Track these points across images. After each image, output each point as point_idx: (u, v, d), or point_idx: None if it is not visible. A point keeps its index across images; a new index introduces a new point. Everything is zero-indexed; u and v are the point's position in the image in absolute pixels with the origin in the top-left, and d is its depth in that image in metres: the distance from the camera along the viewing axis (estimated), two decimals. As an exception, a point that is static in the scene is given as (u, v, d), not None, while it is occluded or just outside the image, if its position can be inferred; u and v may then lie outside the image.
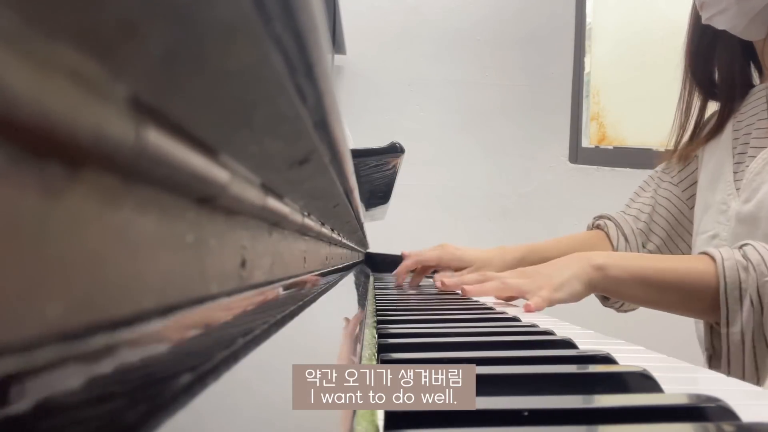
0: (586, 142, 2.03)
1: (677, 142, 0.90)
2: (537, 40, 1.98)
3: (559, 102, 1.99)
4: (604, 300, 0.90)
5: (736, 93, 0.83)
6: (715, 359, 0.71)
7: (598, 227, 0.98)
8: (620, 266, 0.70)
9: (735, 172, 0.79)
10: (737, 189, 0.77)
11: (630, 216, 0.96)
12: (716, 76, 0.85)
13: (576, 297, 0.71)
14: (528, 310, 0.68)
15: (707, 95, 0.87)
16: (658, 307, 0.78)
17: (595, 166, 1.99)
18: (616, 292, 0.74)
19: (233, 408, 0.15)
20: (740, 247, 0.67)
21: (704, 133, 0.87)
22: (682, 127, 0.89)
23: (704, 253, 0.69)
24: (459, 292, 0.76)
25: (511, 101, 1.97)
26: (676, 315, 0.86)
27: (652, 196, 0.95)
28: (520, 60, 1.98)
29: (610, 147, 2.03)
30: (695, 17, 0.84)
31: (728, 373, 0.64)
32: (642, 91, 2.02)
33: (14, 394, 0.08)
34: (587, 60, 2.04)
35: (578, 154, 2.00)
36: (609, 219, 0.97)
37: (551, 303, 0.70)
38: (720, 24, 0.75)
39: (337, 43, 1.72)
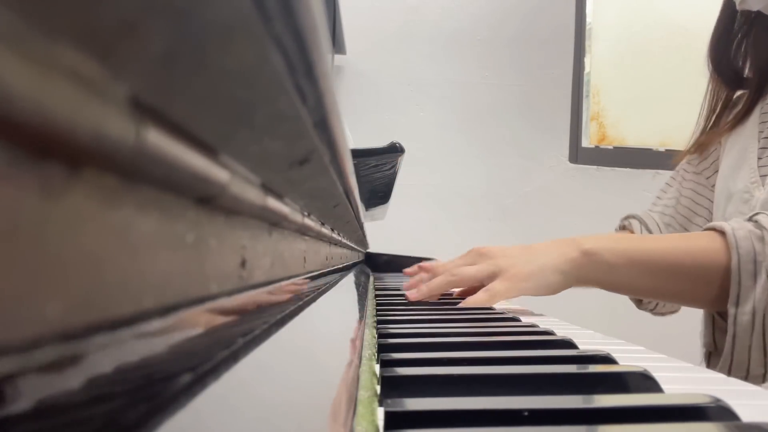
0: (586, 142, 2.03)
1: (703, 132, 0.87)
2: (537, 40, 1.98)
3: (559, 102, 1.99)
4: (638, 302, 0.84)
5: (766, 78, 0.79)
6: (714, 357, 0.67)
7: (623, 228, 0.92)
8: (613, 250, 0.61)
9: (759, 158, 0.75)
10: (762, 176, 0.74)
11: (656, 213, 0.91)
12: (745, 65, 0.82)
13: (550, 289, 0.62)
14: (465, 303, 0.59)
15: (734, 86, 0.84)
16: (657, 296, 0.70)
17: (595, 166, 1.99)
18: (607, 282, 0.63)
19: (233, 408, 0.15)
20: (750, 218, 0.61)
21: (729, 120, 0.83)
22: (708, 121, 0.86)
23: (709, 228, 0.62)
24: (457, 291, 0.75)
25: (511, 101, 1.97)
26: (678, 305, 0.79)
27: (677, 189, 0.91)
28: (520, 60, 1.98)
29: (610, 147, 2.03)
30: (725, 8, 0.81)
31: (730, 365, 0.60)
32: (642, 91, 2.02)
33: (14, 394, 0.08)
34: (587, 60, 2.04)
35: (578, 154, 2.00)
36: (634, 217, 0.90)
37: (509, 295, 0.61)
38: (754, 5, 0.73)
39: (337, 43, 1.72)
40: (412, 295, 0.66)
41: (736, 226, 0.59)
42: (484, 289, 0.61)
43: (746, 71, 0.83)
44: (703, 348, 0.70)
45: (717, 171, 0.86)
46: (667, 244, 0.63)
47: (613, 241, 0.64)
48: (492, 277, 0.62)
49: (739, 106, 0.83)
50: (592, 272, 0.62)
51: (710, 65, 0.85)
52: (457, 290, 0.71)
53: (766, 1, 0.72)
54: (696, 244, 0.61)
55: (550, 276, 0.61)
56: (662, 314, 0.88)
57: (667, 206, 0.91)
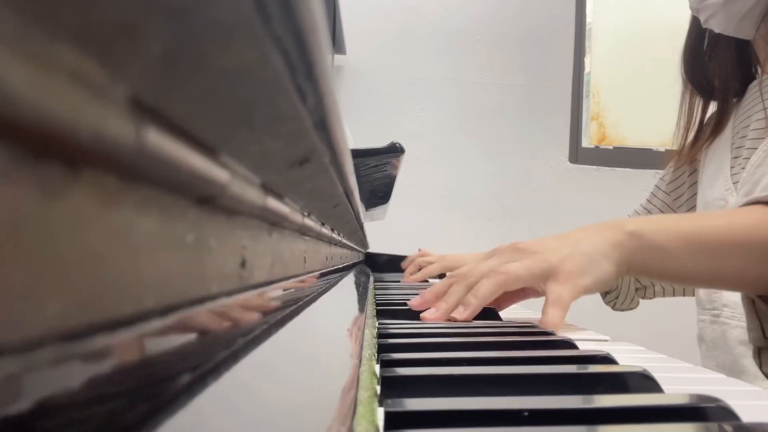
0: (586, 142, 2.03)
1: (681, 145, 0.90)
2: (537, 40, 1.98)
3: (559, 102, 1.99)
4: (603, 294, 0.87)
5: (734, 91, 0.83)
6: (766, 352, 0.59)
7: None
8: (661, 229, 0.53)
9: (732, 167, 0.78)
10: (734, 183, 0.76)
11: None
12: (714, 76, 0.86)
13: (606, 282, 0.52)
14: (543, 324, 0.48)
15: (707, 97, 0.87)
16: (713, 281, 0.59)
17: (595, 166, 1.99)
18: (663, 267, 0.54)
19: (233, 408, 0.15)
20: None
21: (707, 134, 0.87)
22: (686, 130, 0.89)
23: (754, 201, 0.56)
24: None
25: (511, 101, 1.97)
26: (727, 290, 0.73)
27: (644, 206, 0.97)
28: (520, 60, 1.98)
29: (610, 147, 2.03)
30: (694, 22, 0.85)
31: None
32: (642, 91, 2.02)
33: (14, 394, 0.08)
34: (587, 60, 2.04)
35: (578, 154, 2.00)
36: None
37: (576, 296, 0.50)
38: (714, 27, 0.77)
39: (337, 43, 1.72)
40: (461, 315, 0.51)
41: None
42: (551, 302, 0.50)
43: (716, 83, 0.86)
44: (751, 344, 0.62)
45: (681, 185, 0.91)
46: (718, 220, 0.55)
47: (657, 221, 0.56)
48: (545, 276, 0.51)
49: (715, 118, 0.87)
50: (646, 257, 0.53)
51: (684, 76, 0.88)
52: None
53: (725, 25, 0.75)
54: (752, 219, 0.54)
55: (603, 266, 0.51)
56: (622, 310, 0.90)
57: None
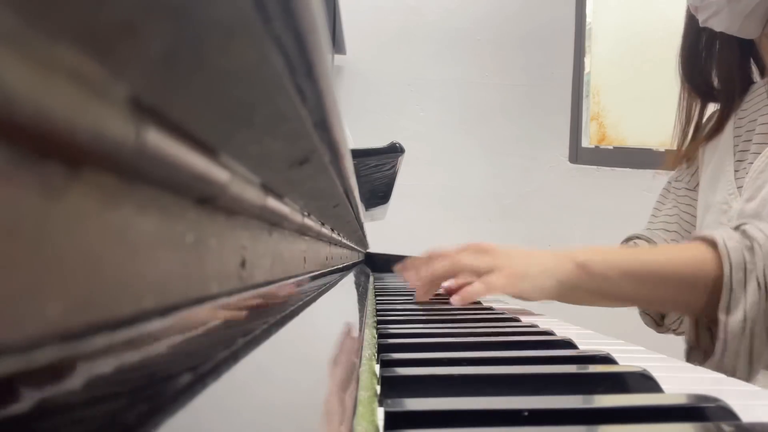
0: (586, 142, 2.03)
1: (680, 146, 0.89)
2: (537, 40, 1.98)
3: (559, 102, 1.99)
4: (657, 326, 0.85)
5: (736, 91, 0.82)
6: (695, 351, 0.68)
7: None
8: (605, 262, 0.63)
9: (736, 171, 0.77)
10: (738, 188, 0.76)
11: (658, 230, 0.91)
12: (714, 77, 0.84)
13: (544, 294, 0.63)
14: (455, 300, 0.62)
15: (705, 98, 0.86)
16: (645, 304, 0.72)
17: (595, 166, 1.99)
18: (598, 291, 0.65)
19: (233, 408, 0.15)
20: (736, 228, 0.62)
21: (704, 133, 0.86)
22: (684, 132, 0.88)
23: (699, 238, 0.64)
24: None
25: (511, 101, 1.97)
26: (665, 311, 0.82)
27: (675, 206, 0.91)
28: (520, 60, 1.98)
29: (610, 147, 2.03)
30: (689, 22, 0.84)
31: (718, 368, 0.60)
32: (642, 91, 2.02)
33: (14, 394, 0.08)
34: (587, 60, 2.04)
35: (578, 154, 2.00)
36: (639, 237, 0.90)
37: (504, 291, 0.62)
38: (716, 26, 0.75)
39: (337, 43, 1.72)
40: (412, 279, 0.69)
41: (726, 236, 0.61)
42: (481, 279, 0.62)
43: (716, 83, 0.85)
44: (686, 343, 0.72)
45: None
46: (659, 255, 0.65)
47: (606, 253, 0.66)
48: (489, 272, 0.63)
49: (714, 119, 0.86)
50: (588, 283, 0.63)
51: (682, 77, 0.87)
52: (446, 284, 0.71)
53: (728, 23, 0.74)
54: (687, 254, 0.63)
55: (546, 280, 0.62)
56: (683, 333, 0.88)
57: (669, 222, 0.91)
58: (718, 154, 0.82)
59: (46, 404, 0.08)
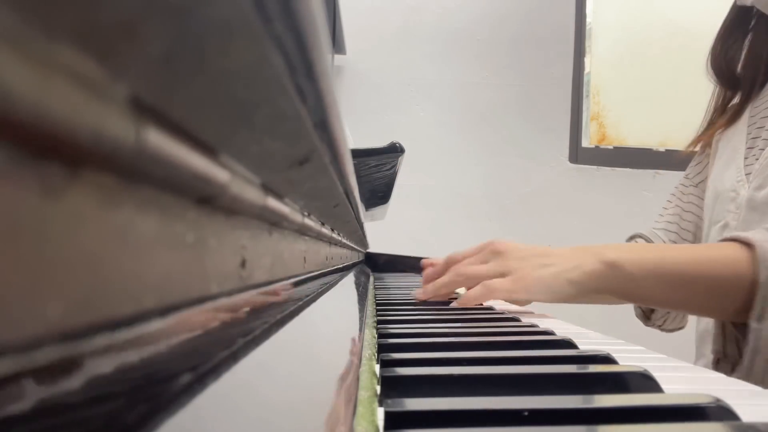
0: (586, 142, 2.03)
1: (707, 134, 0.87)
2: (537, 40, 1.98)
3: (559, 102, 1.99)
4: (645, 319, 0.84)
5: (758, 80, 0.80)
6: (723, 363, 0.65)
7: None
8: (636, 261, 0.58)
9: (746, 158, 0.76)
10: (747, 175, 0.74)
11: (660, 230, 0.91)
12: (739, 65, 0.82)
13: (557, 298, 0.59)
14: (453, 304, 0.60)
15: (724, 84, 0.84)
16: (675, 307, 0.67)
17: (595, 166, 1.99)
18: (626, 293, 0.60)
19: (233, 408, 0.15)
20: None
21: (723, 120, 0.84)
22: (714, 117, 0.86)
23: (731, 239, 0.60)
24: (458, 292, 0.74)
25: (511, 101, 1.97)
26: (686, 318, 0.79)
27: (677, 204, 0.91)
28: (520, 60, 1.98)
29: (610, 147, 2.03)
30: (733, 14, 0.82)
31: (746, 376, 0.58)
32: (642, 91, 2.02)
33: (14, 394, 0.08)
34: (587, 60, 2.04)
35: (578, 154, 2.00)
36: (640, 236, 0.91)
37: (507, 296, 0.59)
38: (759, 3, 0.73)
39: (337, 43, 1.72)
40: (418, 294, 0.66)
41: (762, 238, 0.57)
42: (482, 283, 0.59)
43: (739, 70, 0.83)
44: (712, 354, 0.69)
45: (706, 178, 0.87)
46: (690, 255, 0.59)
47: (636, 252, 0.61)
48: (497, 276, 0.60)
49: (733, 108, 0.84)
50: (613, 284, 0.58)
51: (709, 62, 0.84)
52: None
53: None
54: (720, 254, 0.58)
55: (561, 286, 0.58)
56: (670, 330, 0.87)
57: (670, 222, 0.91)
58: (732, 143, 0.80)
59: (46, 404, 0.08)
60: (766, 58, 0.80)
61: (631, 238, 0.91)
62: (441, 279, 0.64)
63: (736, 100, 0.85)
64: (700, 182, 0.90)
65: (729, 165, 0.79)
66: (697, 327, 0.82)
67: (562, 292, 0.58)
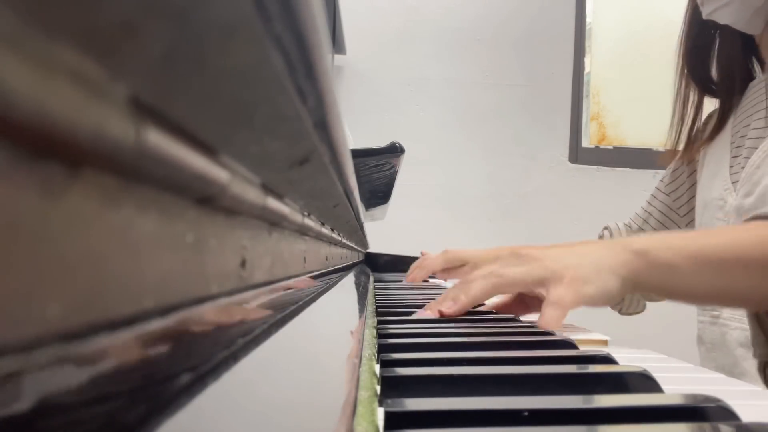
0: (586, 142, 2.03)
1: (676, 137, 0.89)
2: (537, 40, 1.98)
3: (559, 102, 1.99)
4: (620, 309, 0.85)
5: (736, 88, 0.81)
6: None
7: (600, 238, 0.97)
8: (670, 247, 0.51)
9: (731, 166, 0.77)
10: (733, 183, 0.75)
11: (624, 224, 0.97)
12: (714, 72, 0.84)
13: (610, 297, 0.50)
14: (541, 324, 0.47)
15: (704, 91, 0.86)
16: (713, 298, 0.59)
17: (595, 166, 1.99)
18: (669, 286, 0.53)
19: (233, 408, 0.15)
20: None
21: (706, 135, 0.86)
22: (679, 125, 0.88)
23: (758, 216, 0.56)
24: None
25: (511, 101, 1.97)
26: (734, 308, 0.74)
27: (645, 209, 0.97)
28: (520, 60, 1.98)
29: (610, 147, 2.03)
30: (692, 14, 0.83)
31: None
32: (642, 91, 2.02)
33: (14, 394, 0.08)
34: (587, 60, 2.04)
35: (578, 154, 2.00)
36: (607, 228, 0.96)
37: (578, 303, 0.49)
38: (722, 18, 0.74)
39: (337, 43, 1.72)
40: (449, 308, 0.52)
41: None
42: (550, 303, 0.48)
43: (715, 77, 0.84)
44: (756, 359, 0.65)
45: (681, 186, 0.92)
46: (719, 237, 0.54)
47: (663, 240, 0.55)
48: (542, 282, 0.50)
49: (714, 118, 0.86)
50: (652, 276, 0.51)
51: (684, 69, 0.86)
52: (493, 302, 0.60)
53: (735, 17, 0.72)
54: (752, 234, 0.53)
55: (608, 280, 0.50)
56: (629, 314, 0.89)
57: (634, 222, 0.97)
58: (717, 153, 0.82)
59: (46, 404, 0.08)
60: (736, 66, 0.81)
61: (604, 228, 0.97)
62: (476, 285, 0.52)
63: (706, 106, 0.87)
64: (672, 191, 0.94)
65: (716, 175, 0.80)
66: (700, 346, 0.82)
67: (611, 288, 0.50)
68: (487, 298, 0.53)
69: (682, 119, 0.88)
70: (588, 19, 2.04)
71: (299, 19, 0.12)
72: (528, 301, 0.58)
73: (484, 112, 1.97)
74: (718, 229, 0.70)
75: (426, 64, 1.95)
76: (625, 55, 2.04)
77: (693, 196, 0.90)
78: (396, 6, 1.93)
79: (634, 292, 0.55)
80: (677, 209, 0.93)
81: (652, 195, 0.97)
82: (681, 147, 0.89)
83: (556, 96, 1.99)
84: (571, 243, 0.55)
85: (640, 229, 0.95)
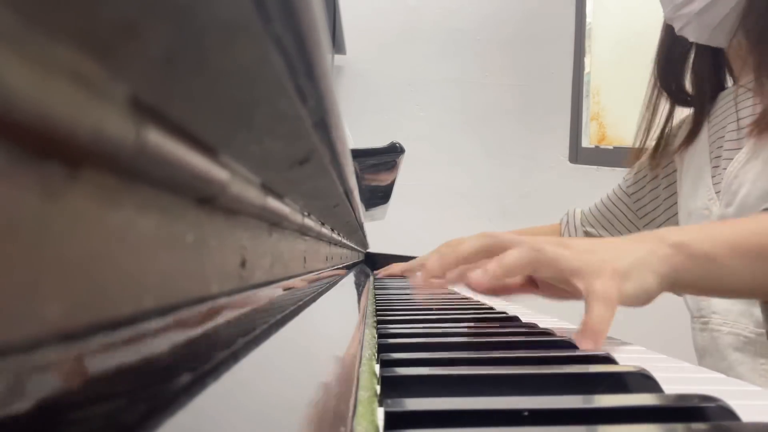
0: (586, 142, 2.03)
1: (642, 144, 0.93)
2: (537, 40, 1.98)
3: (559, 102, 1.99)
4: None
5: (706, 97, 0.84)
6: None
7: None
8: (708, 237, 0.47)
9: (713, 176, 0.79)
10: (717, 192, 0.77)
11: (578, 211, 1.06)
12: (687, 83, 0.87)
13: (647, 295, 0.45)
14: (584, 333, 0.40)
15: (675, 101, 0.89)
16: (758, 290, 0.52)
17: (595, 166, 1.99)
18: (711, 279, 0.48)
19: (233, 408, 0.15)
20: None
21: (680, 142, 0.88)
22: (646, 131, 0.92)
23: None
24: (458, 292, 0.74)
25: (511, 101, 1.97)
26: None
27: (603, 200, 1.02)
28: (521, 60, 1.98)
29: (610, 147, 2.03)
30: (666, 29, 0.87)
31: None
32: (642, 91, 2.01)
33: (14, 394, 0.08)
34: (587, 60, 2.04)
35: (578, 154, 2.00)
36: (567, 214, 1.07)
37: (620, 301, 0.43)
38: (688, 35, 0.78)
39: (337, 43, 1.72)
40: (478, 278, 0.43)
41: None
42: (598, 298, 0.42)
43: (689, 89, 0.88)
44: None
45: (643, 197, 0.95)
46: (752, 225, 0.50)
47: (699, 230, 0.50)
48: (577, 273, 0.44)
49: (685, 126, 0.89)
50: (693, 270, 0.47)
51: (657, 80, 0.90)
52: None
53: (698, 34, 0.76)
54: None
55: (647, 276, 0.45)
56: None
57: (591, 211, 1.03)
58: (696, 161, 0.84)
59: (46, 404, 0.08)
60: (707, 77, 0.84)
61: (565, 215, 1.06)
62: (512, 254, 0.44)
63: (677, 114, 0.90)
64: (633, 193, 0.98)
65: (698, 184, 0.82)
66: (696, 345, 0.82)
67: (649, 285, 0.45)
68: (521, 273, 0.46)
69: (648, 128, 0.92)
70: (588, 19, 2.04)
71: (299, 19, 0.12)
72: (540, 282, 0.51)
73: (484, 112, 1.97)
74: (746, 219, 0.64)
75: (426, 64, 1.95)
76: (625, 55, 2.04)
77: (657, 206, 0.94)
78: (396, 6, 1.93)
79: (671, 290, 0.48)
80: (636, 210, 0.97)
81: (613, 191, 1.01)
82: (645, 154, 0.93)
83: (556, 96, 1.99)
84: (603, 239, 0.51)
85: (598, 223, 1.01)
